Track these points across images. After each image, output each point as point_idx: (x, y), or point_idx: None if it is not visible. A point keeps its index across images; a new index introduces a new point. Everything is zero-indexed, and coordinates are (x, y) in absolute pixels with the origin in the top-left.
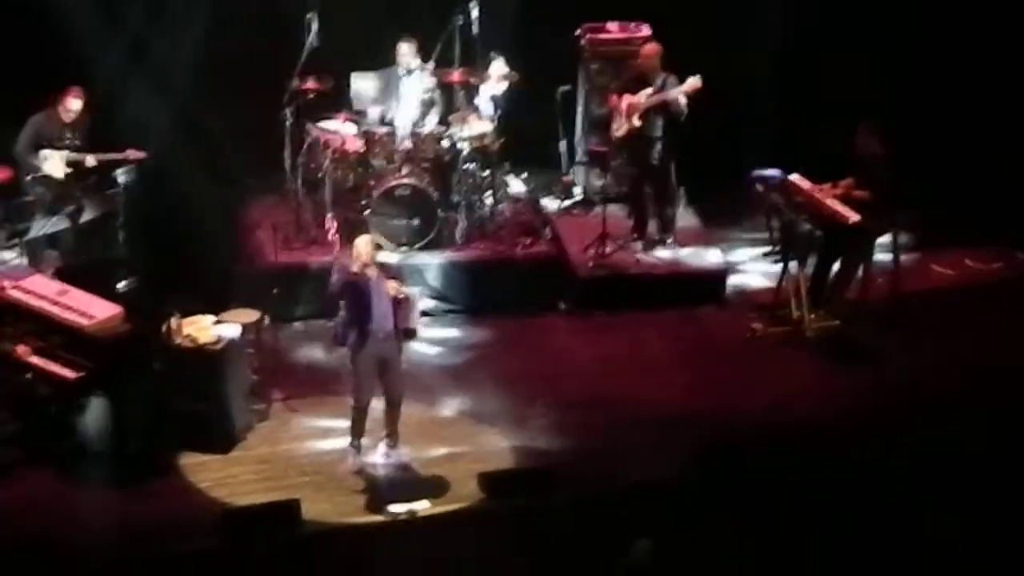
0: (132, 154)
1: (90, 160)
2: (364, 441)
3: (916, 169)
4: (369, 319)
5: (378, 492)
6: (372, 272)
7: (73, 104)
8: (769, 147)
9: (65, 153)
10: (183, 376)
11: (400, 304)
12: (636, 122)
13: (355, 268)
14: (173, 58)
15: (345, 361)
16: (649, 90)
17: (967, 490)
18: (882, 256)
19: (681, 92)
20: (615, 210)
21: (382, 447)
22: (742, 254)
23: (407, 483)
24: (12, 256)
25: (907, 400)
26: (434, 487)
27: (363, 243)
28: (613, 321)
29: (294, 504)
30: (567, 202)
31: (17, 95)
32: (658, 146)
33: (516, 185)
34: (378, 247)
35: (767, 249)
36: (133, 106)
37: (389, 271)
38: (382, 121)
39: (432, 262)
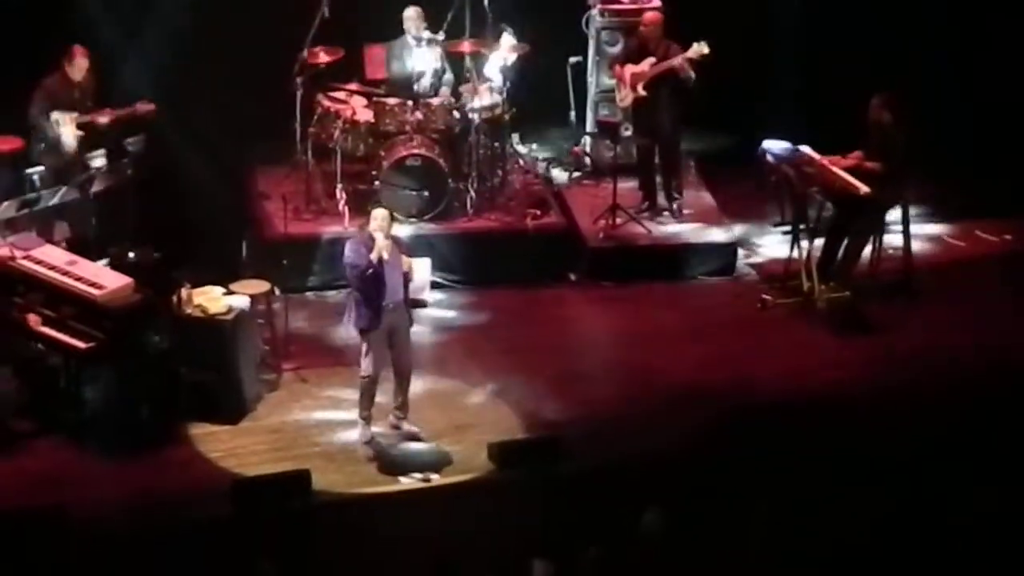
0: (141, 107)
1: (103, 118)
2: (374, 412)
3: (927, 140)
4: (383, 294)
5: (388, 463)
6: (387, 243)
7: (81, 62)
8: (780, 118)
9: (76, 114)
10: (193, 346)
11: (408, 276)
12: (641, 91)
13: (374, 256)
14: (181, 28)
15: (354, 332)
16: (652, 59)
17: (979, 459)
18: (893, 227)
19: (685, 59)
20: (625, 181)
21: (392, 418)
22: (752, 225)
23: (417, 454)
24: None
25: (918, 370)
26: (444, 458)
27: (381, 216)
28: (623, 293)
29: (304, 474)
30: (577, 173)
31: (19, 64)
32: (665, 115)
33: (526, 156)
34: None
35: (778, 220)
36: (140, 77)
37: (401, 244)
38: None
39: (442, 233)
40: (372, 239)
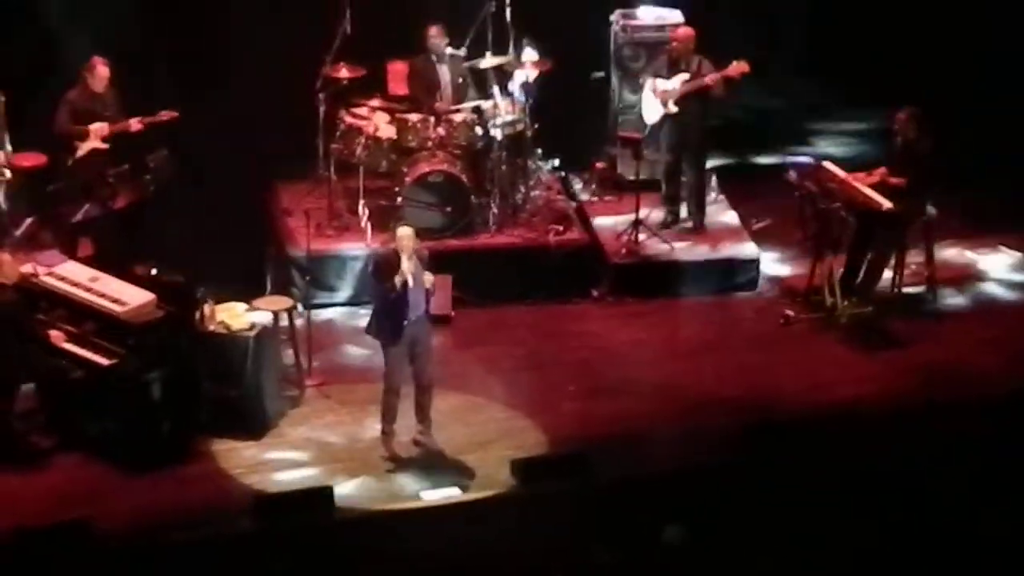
0: (165, 114)
1: (135, 125)
2: (396, 427)
3: (951, 154)
4: (406, 312)
5: (411, 478)
6: (411, 265)
7: (102, 71)
8: (803, 134)
9: (104, 125)
10: (216, 362)
11: (431, 292)
12: (672, 108)
13: (398, 280)
14: (204, 43)
15: (376, 347)
16: (685, 75)
17: (1002, 476)
18: (916, 242)
19: (725, 76)
20: (648, 197)
21: (414, 434)
22: (775, 240)
23: (440, 469)
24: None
25: (941, 386)
26: (466, 473)
27: (407, 236)
28: (646, 308)
29: (327, 490)
30: (599, 189)
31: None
32: (693, 132)
33: (548, 172)
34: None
35: (800, 236)
36: (163, 92)
37: (425, 260)
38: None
39: (465, 249)
40: (397, 256)
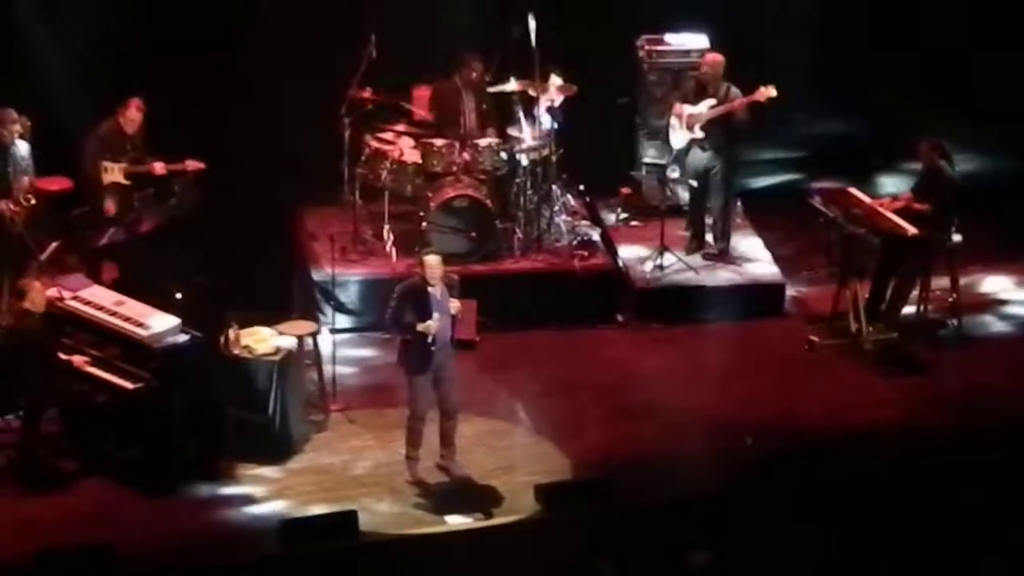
0: (191, 165)
1: (158, 170)
2: (421, 452)
3: (975, 180)
4: (433, 340)
5: (435, 503)
6: (438, 290)
7: (135, 115)
8: (827, 159)
9: (125, 164)
10: (240, 386)
11: (456, 317)
12: (698, 133)
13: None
14: (228, 68)
15: (401, 372)
16: (711, 100)
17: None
18: (940, 269)
19: (752, 101)
20: (673, 221)
21: (439, 459)
22: (800, 266)
23: (464, 495)
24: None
25: (966, 412)
26: (491, 499)
27: (435, 263)
28: (671, 334)
29: (351, 515)
30: (624, 214)
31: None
32: (718, 157)
33: (573, 197)
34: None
35: (825, 261)
36: (190, 116)
37: (455, 287)
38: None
39: (490, 274)
40: (424, 284)
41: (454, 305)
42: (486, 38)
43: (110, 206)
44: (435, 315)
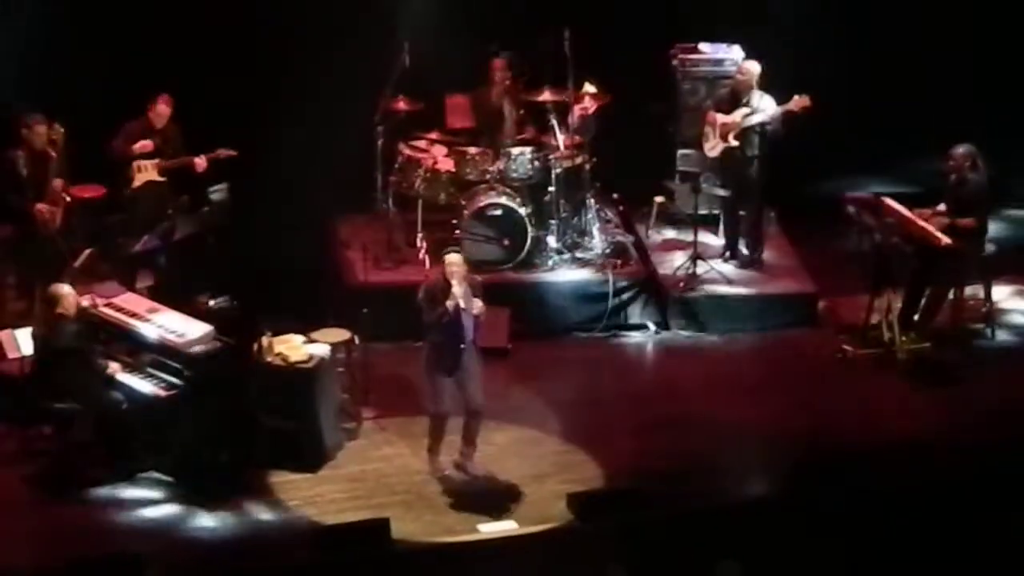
0: (223, 152)
1: (199, 165)
2: (443, 458)
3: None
4: (460, 338)
5: (467, 512)
6: (460, 290)
7: (163, 109)
8: (862, 168)
9: (157, 160)
10: (274, 394)
11: (479, 319)
12: (732, 141)
13: (450, 304)
14: (262, 75)
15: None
16: (746, 109)
17: None
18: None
19: (787, 110)
20: (706, 230)
21: (458, 456)
22: (833, 275)
23: (496, 503)
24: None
25: (1000, 422)
26: (523, 508)
27: (456, 263)
28: (703, 343)
29: (383, 523)
30: (658, 222)
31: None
32: (752, 166)
33: (607, 205)
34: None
35: (858, 271)
36: (223, 124)
37: (478, 288)
38: None
39: (523, 282)
40: (447, 283)
41: (477, 305)
42: (520, 47)
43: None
44: (462, 316)
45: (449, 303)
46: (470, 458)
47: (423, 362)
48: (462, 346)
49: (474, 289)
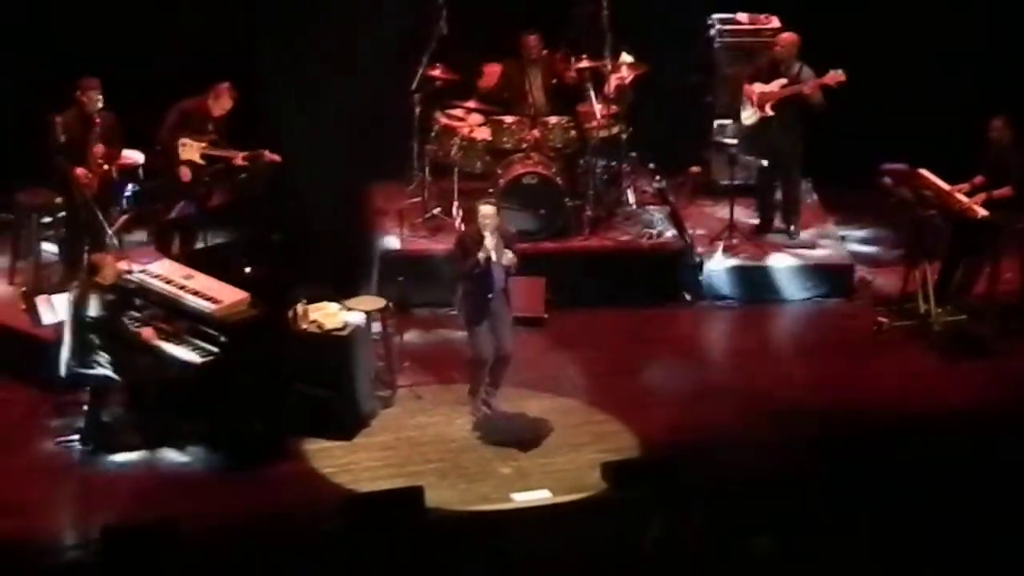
0: (268, 156)
1: (237, 160)
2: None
3: None
4: (490, 287)
5: (502, 480)
6: (492, 241)
7: (225, 102)
8: (898, 140)
9: (205, 143)
10: (308, 362)
11: (511, 270)
12: (769, 111)
13: (481, 256)
14: (303, 47)
15: (462, 322)
16: (783, 80)
17: None
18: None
19: (821, 84)
20: (742, 201)
21: (483, 393)
22: (868, 247)
23: (531, 471)
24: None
25: None
26: (557, 476)
27: (489, 214)
28: (738, 313)
29: (418, 491)
30: (694, 193)
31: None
32: (788, 138)
33: (643, 175)
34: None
35: (894, 242)
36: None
37: (508, 237)
38: None
39: (558, 252)
40: (479, 234)
41: (508, 256)
42: (557, 16)
43: (185, 172)
44: (493, 268)
45: (481, 254)
46: (495, 395)
47: (458, 309)
48: (490, 295)
49: (507, 240)
